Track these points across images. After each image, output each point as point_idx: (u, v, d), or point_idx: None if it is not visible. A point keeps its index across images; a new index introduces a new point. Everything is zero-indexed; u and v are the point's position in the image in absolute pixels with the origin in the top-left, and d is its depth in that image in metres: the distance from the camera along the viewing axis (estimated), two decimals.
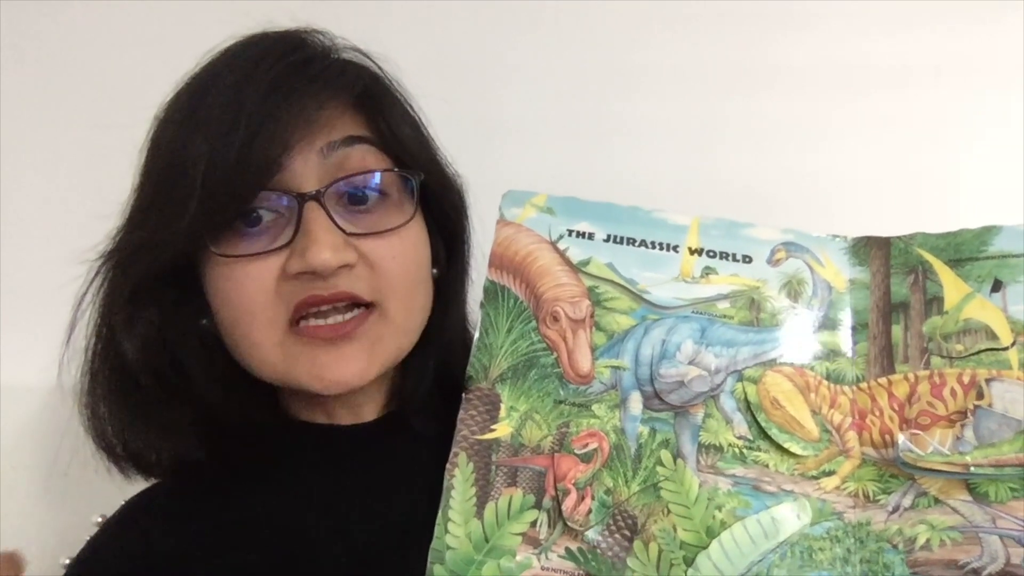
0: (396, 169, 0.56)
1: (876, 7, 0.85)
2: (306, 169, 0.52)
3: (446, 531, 0.51)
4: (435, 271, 0.60)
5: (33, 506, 0.72)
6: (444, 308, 0.60)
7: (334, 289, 0.52)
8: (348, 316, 0.53)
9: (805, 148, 0.85)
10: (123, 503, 0.59)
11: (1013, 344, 0.53)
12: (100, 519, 0.60)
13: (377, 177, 0.54)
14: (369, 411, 0.60)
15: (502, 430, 0.54)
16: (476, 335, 0.58)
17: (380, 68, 0.59)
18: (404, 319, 0.55)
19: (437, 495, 0.52)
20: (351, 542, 0.54)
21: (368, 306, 0.54)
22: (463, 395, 0.56)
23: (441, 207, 0.60)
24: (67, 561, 0.57)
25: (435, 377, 0.60)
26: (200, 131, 0.51)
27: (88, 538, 0.58)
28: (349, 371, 0.53)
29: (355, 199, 0.54)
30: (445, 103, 0.85)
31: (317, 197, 0.52)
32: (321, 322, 0.53)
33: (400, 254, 0.54)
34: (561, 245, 0.60)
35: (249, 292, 0.52)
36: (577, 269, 0.59)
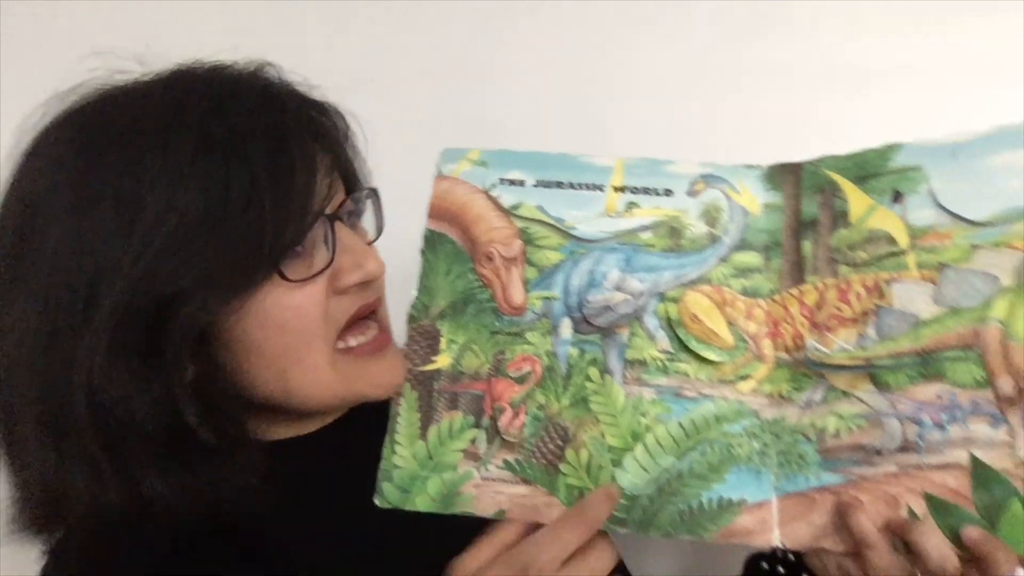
0: (371, 187, 0.62)
1: (876, 7, 0.85)
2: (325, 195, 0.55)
3: (393, 452, 0.55)
4: None
5: None
6: None
7: (375, 295, 0.58)
8: (374, 328, 0.58)
9: (805, 147, 0.86)
10: None
11: (913, 248, 0.57)
12: None
13: (365, 193, 0.61)
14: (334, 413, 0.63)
15: (442, 361, 0.59)
16: (417, 279, 0.62)
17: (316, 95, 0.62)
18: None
19: None
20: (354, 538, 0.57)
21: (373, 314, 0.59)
22: (406, 332, 0.60)
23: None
24: None
25: None
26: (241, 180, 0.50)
27: None
28: (397, 373, 0.58)
29: (355, 215, 0.60)
30: (441, 100, 0.88)
31: (340, 216, 0.56)
32: (362, 339, 0.57)
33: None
34: (494, 193, 0.64)
35: (310, 314, 0.53)
36: (509, 213, 0.63)
